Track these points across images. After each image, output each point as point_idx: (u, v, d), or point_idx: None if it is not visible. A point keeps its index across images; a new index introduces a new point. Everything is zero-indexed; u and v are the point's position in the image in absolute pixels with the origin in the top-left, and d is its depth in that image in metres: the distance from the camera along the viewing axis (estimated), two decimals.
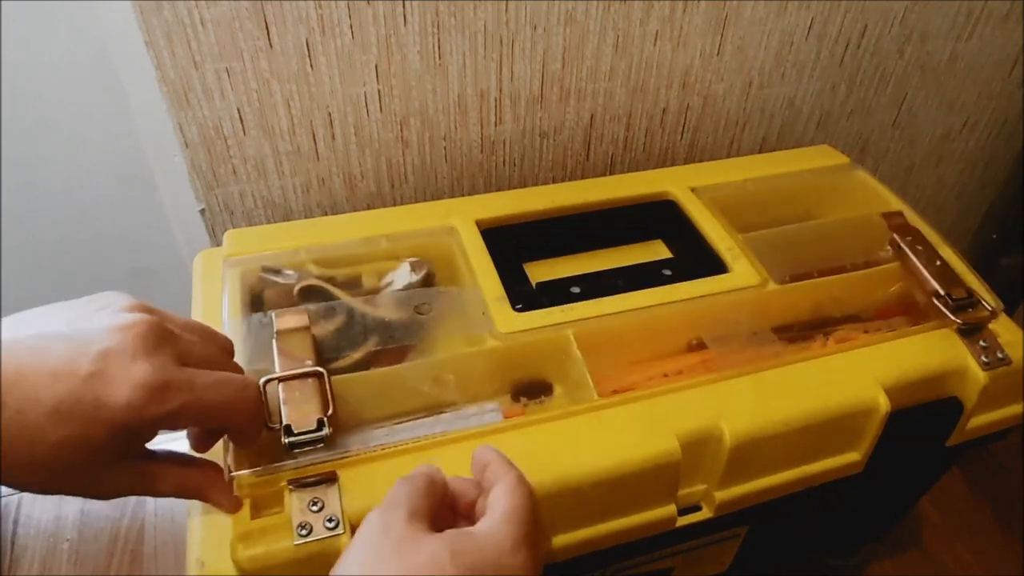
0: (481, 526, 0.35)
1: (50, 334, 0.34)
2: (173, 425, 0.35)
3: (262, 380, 0.41)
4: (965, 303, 0.52)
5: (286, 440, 0.40)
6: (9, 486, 0.33)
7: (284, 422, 0.41)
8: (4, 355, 0.32)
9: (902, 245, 0.57)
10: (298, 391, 0.42)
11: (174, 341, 0.36)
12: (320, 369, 0.43)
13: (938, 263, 0.55)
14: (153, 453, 0.38)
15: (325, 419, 0.41)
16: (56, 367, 0.32)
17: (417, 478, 0.37)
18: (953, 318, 0.52)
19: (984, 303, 0.53)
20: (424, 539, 0.33)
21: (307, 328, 0.47)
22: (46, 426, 0.32)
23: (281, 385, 0.42)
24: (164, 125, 0.59)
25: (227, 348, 0.42)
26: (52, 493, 0.34)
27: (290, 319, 0.47)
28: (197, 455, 0.41)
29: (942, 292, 0.53)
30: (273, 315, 0.47)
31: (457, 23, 0.60)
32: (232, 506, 0.40)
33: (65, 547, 0.71)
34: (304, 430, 0.40)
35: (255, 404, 0.39)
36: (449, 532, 0.34)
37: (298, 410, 0.41)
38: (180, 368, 0.35)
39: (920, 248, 0.56)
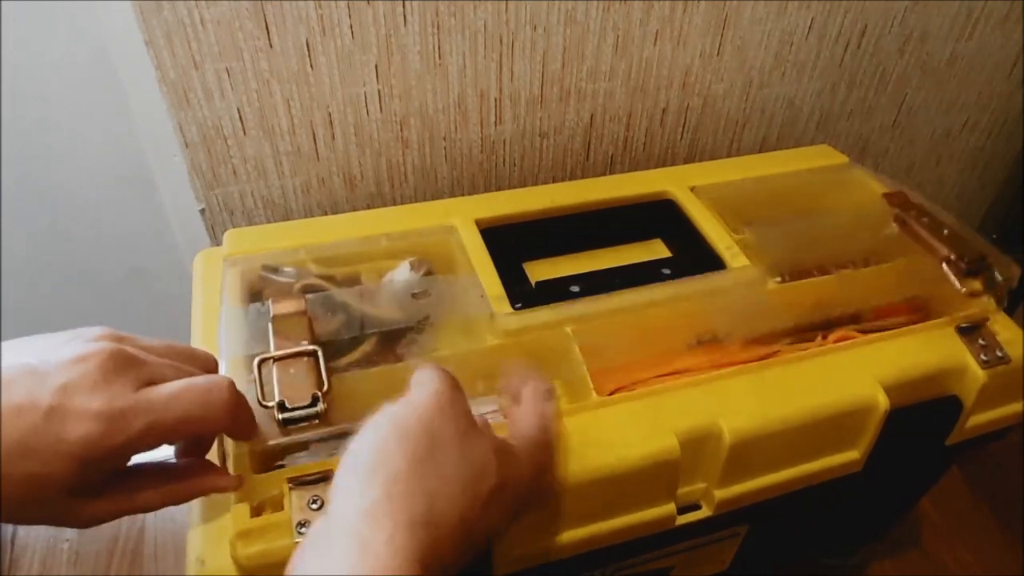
0: (517, 443, 0.37)
1: (18, 366, 0.33)
2: (144, 447, 0.35)
3: (257, 359, 0.42)
4: (978, 267, 0.51)
5: (280, 416, 0.40)
6: None
7: (277, 398, 0.41)
8: None
9: (907, 220, 0.56)
10: (292, 368, 0.42)
11: (138, 366, 0.35)
12: (314, 348, 0.43)
13: (946, 232, 0.54)
14: (133, 471, 0.37)
15: (320, 394, 0.41)
16: (20, 402, 0.32)
17: (447, 373, 0.37)
18: (959, 287, 0.50)
19: (1001, 265, 0.52)
20: (477, 435, 0.35)
21: (304, 313, 0.47)
22: (11, 460, 0.32)
23: (275, 365, 0.42)
24: (164, 125, 0.59)
25: (207, 366, 0.41)
26: (28, 524, 0.34)
27: (287, 304, 0.47)
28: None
29: (953, 258, 0.52)
30: (270, 301, 0.48)
31: (457, 23, 0.60)
32: (233, 484, 0.39)
33: (65, 547, 0.71)
34: (298, 405, 0.40)
35: (227, 403, 0.37)
36: (494, 436, 0.36)
37: (292, 387, 0.41)
38: (138, 392, 0.34)
39: (926, 220, 0.56)
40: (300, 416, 0.41)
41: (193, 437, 0.40)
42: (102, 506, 0.35)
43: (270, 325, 0.46)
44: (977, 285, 0.51)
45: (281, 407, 0.41)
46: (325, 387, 0.42)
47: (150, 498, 0.37)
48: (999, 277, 0.52)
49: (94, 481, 0.34)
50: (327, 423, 0.41)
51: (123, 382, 0.34)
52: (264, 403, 0.41)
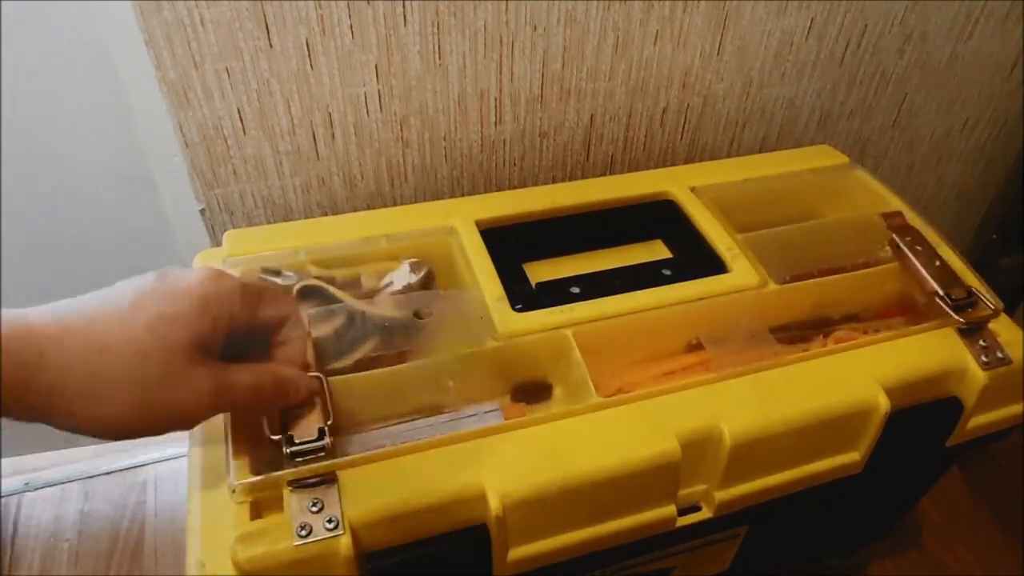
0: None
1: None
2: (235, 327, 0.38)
3: None
4: (965, 303, 0.52)
5: (288, 450, 0.40)
6: (107, 431, 0.34)
7: (287, 432, 0.41)
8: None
9: (901, 245, 0.57)
10: None
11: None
12: (319, 376, 0.43)
13: (937, 263, 0.55)
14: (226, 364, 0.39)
15: (326, 428, 0.41)
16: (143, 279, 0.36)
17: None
18: (956, 317, 0.52)
19: (984, 302, 0.53)
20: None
21: (307, 333, 0.47)
22: (131, 311, 0.34)
23: None
24: (164, 125, 0.59)
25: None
26: (149, 413, 0.34)
27: None
28: None
29: (942, 292, 0.53)
30: None
31: (457, 23, 0.60)
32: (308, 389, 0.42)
33: (65, 547, 0.71)
34: (305, 439, 0.41)
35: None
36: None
37: (299, 420, 0.42)
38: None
39: (919, 248, 0.56)
40: (307, 450, 0.41)
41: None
42: (207, 378, 0.36)
43: None
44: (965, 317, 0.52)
45: (289, 441, 0.40)
46: (330, 419, 0.42)
47: (241, 376, 0.38)
48: (988, 309, 0.53)
49: (203, 344, 0.36)
50: (333, 455, 0.41)
51: None
52: (272, 435, 0.41)
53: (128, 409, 0.34)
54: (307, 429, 0.41)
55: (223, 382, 0.37)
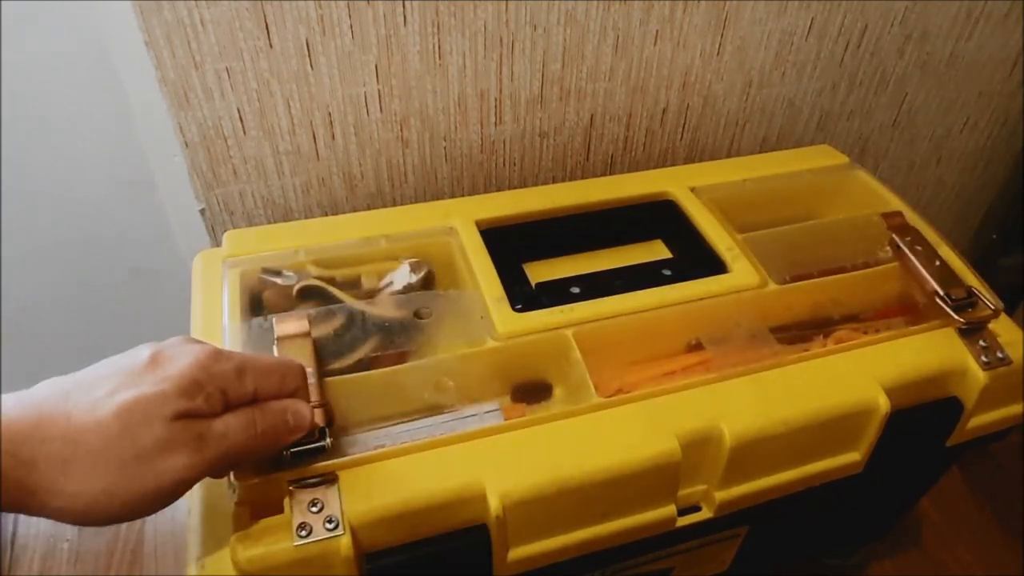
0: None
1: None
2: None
3: None
4: (965, 303, 0.52)
5: (288, 452, 0.40)
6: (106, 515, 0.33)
7: None
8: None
9: (901, 245, 0.57)
10: None
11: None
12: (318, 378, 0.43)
13: (937, 263, 0.55)
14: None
15: (327, 429, 0.41)
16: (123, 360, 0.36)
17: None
18: (956, 317, 0.52)
19: (985, 302, 0.53)
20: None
21: (307, 334, 0.47)
22: (107, 396, 0.34)
23: None
24: (164, 125, 0.59)
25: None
26: (132, 486, 0.33)
27: (290, 325, 0.47)
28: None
29: (942, 292, 0.53)
30: (273, 320, 0.47)
31: (457, 23, 0.60)
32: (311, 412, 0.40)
33: (65, 547, 0.71)
34: (305, 439, 0.40)
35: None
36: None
37: None
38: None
39: (919, 248, 0.56)
40: (307, 450, 0.40)
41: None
42: (190, 432, 0.35)
43: (275, 349, 0.45)
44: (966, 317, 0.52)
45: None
46: (331, 420, 0.41)
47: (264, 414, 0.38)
48: (988, 309, 0.53)
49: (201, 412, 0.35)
50: (333, 455, 0.41)
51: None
52: None
53: (106, 486, 0.33)
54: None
55: (208, 433, 0.35)
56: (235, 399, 0.37)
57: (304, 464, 0.40)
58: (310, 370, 0.43)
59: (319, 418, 0.41)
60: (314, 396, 0.41)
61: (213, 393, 0.36)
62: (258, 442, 0.37)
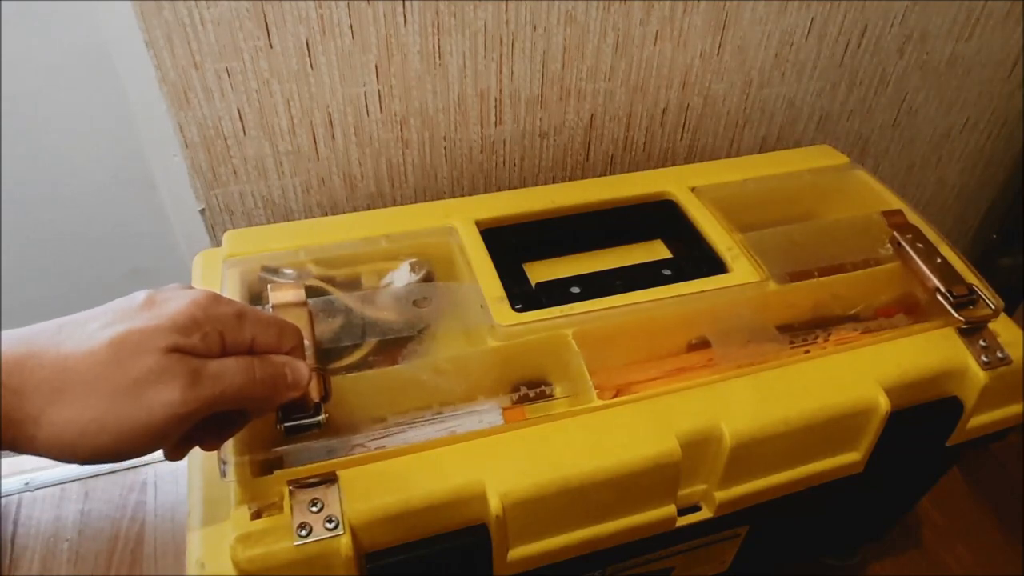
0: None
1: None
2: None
3: None
4: (966, 300, 0.52)
5: (282, 425, 0.40)
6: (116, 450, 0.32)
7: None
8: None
9: (902, 243, 0.57)
10: None
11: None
12: (312, 347, 0.43)
13: (938, 260, 0.55)
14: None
15: (322, 404, 0.41)
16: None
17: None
18: (956, 315, 0.52)
19: (985, 301, 0.53)
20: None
21: (304, 303, 0.46)
22: (101, 329, 0.33)
23: None
24: (164, 125, 0.59)
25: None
26: (122, 416, 0.32)
27: (286, 293, 0.47)
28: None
29: (943, 289, 0.53)
30: (269, 287, 0.47)
31: (457, 23, 0.60)
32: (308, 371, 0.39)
33: (65, 547, 0.71)
34: (300, 414, 0.40)
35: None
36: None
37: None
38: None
39: (920, 246, 0.56)
40: (302, 425, 0.40)
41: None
42: (185, 365, 0.34)
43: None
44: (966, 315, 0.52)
45: (284, 416, 0.40)
46: (326, 395, 0.41)
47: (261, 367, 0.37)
48: (989, 307, 0.53)
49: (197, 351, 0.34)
50: (329, 432, 0.41)
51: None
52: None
53: (96, 415, 0.32)
54: (303, 404, 0.40)
55: (204, 370, 0.34)
56: (233, 345, 0.36)
57: (299, 439, 0.40)
58: (308, 343, 0.43)
59: (315, 385, 0.40)
60: (310, 362, 0.41)
61: (210, 334, 0.35)
62: (255, 389, 0.36)
